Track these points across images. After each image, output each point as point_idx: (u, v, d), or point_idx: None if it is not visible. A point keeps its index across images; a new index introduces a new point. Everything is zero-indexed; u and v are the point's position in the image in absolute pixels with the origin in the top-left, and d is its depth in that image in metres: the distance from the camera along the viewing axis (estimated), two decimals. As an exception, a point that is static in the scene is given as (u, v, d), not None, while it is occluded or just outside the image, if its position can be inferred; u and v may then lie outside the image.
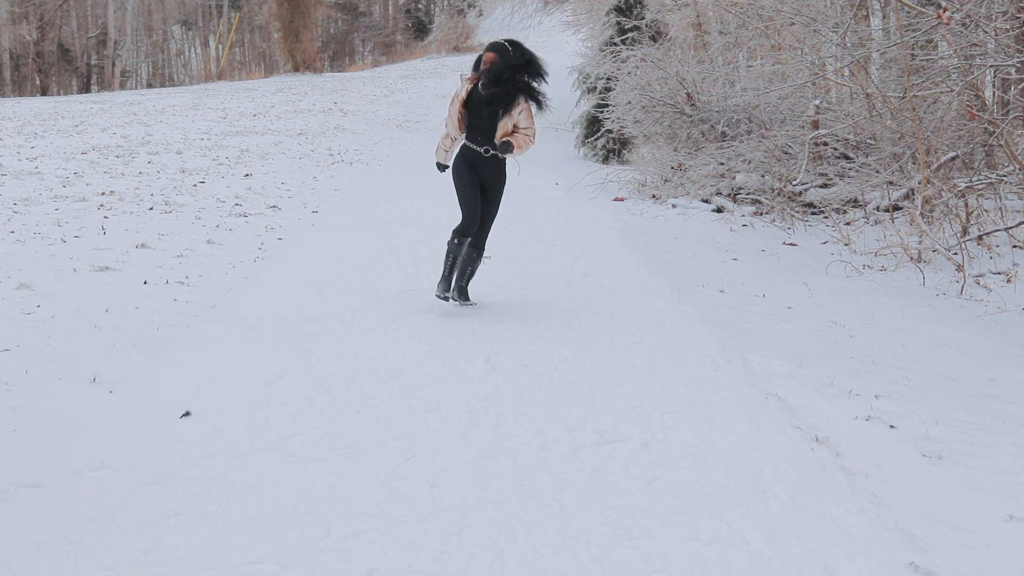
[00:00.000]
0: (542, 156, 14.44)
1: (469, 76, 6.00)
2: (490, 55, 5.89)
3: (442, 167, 6.30)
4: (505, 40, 6.02)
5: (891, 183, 9.59)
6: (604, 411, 4.32)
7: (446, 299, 6.08)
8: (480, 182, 6.07)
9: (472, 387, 4.66)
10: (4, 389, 4.41)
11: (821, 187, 10.54)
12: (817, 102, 10.53)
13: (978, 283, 7.24)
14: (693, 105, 12.48)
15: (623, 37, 15.71)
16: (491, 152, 5.96)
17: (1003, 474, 3.73)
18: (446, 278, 6.07)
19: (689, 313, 6.16)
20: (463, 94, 6.00)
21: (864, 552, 3.07)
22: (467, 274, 6.17)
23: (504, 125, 5.94)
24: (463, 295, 6.20)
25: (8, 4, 34.64)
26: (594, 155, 16.49)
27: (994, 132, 8.10)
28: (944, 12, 7.47)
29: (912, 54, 9.18)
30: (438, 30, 48.80)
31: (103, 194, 10.59)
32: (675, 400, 4.49)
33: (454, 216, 10.33)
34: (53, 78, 38.29)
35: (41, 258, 7.25)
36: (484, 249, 6.26)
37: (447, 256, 6.09)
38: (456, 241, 6.09)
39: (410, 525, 3.21)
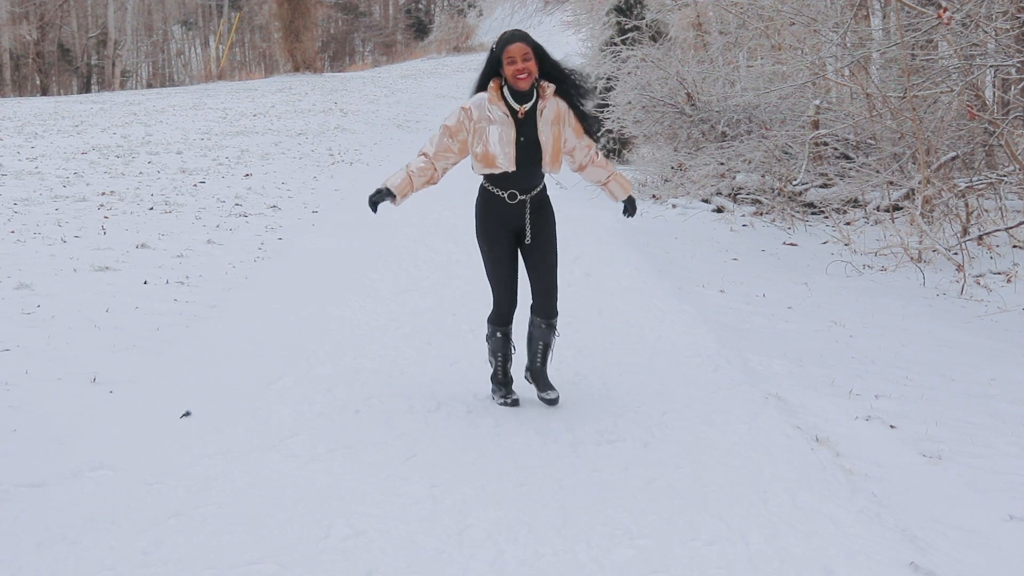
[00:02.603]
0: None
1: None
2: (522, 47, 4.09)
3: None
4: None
5: (891, 183, 9.59)
6: (604, 411, 4.32)
7: (514, 403, 4.45)
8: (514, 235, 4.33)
9: (472, 387, 4.66)
10: (4, 389, 4.41)
11: (821, 187, 10.54)
12: (817, 102, 10.53)
13: (978, 283, 7.24)
14: (693, 105, 12.48)
15: (623, 37, 15.71)
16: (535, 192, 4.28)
17: (1003, 474, 3.73)
18: (500, 381, 4.52)
19: (689, 313, 6.15)
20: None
21: (864, 552, 3.07)
22: (539, 352, 4.41)
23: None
24: (540, 381, 4.43)
25: (8, 4, 34.65)
26: (594, 155, 16.47)
27: (994, 132, 8.10)
28: (944, 12, 7.47)
29: (912, 54, 9.18)
30: (438, 30, 48.80)
31: (103, 194, 10.59)
32: (675, 400, 4.49)
33: (454, 216, 10.37)
34: (53, 78, 38.28)
35: (41, 258, 7.25)
36: (555, 316, 4.38)
37: (490, 352, 4.54)
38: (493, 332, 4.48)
39: (410, 525, 3.21)
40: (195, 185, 11.65)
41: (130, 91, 34.47)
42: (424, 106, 25.61)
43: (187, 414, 4.20)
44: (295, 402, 4.40)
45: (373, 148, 17.21)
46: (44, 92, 35.62)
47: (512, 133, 4.12)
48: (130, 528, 3.15)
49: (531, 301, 4.39)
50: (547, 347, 4.41)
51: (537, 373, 4.44)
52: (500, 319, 4.42)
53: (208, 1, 48.55)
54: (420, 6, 53.72)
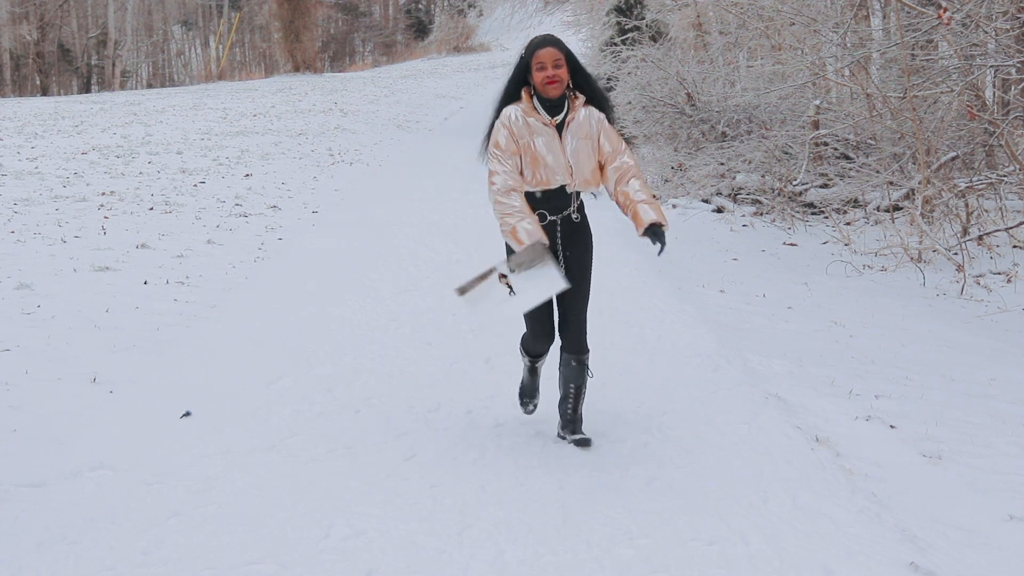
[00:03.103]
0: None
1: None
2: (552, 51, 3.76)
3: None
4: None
5: (891, 183, 9.59)
6: (604, 411, 4.32)
7: (531, 411, 4.25)
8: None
9: (472, 387, 4.66)
10: (4, 389, 4.41)
11: (821, 187, 10.54)
12: (817, 102, 10.53)
13: (978, 283, 7.24)
14: (693, 105, 12.48)
15: (623, 37, 15.73)
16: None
17: (1003, 474, 3.73)
18: (527, 390, 4.26)
19: (689, 313, 6.15)
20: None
21: (864, 552, 3.07)
22: (571, 396, 4.01)
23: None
24: (571, 427, 4.01)
25: (8, 4, 34.65)
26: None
27: (994, 132, 8.10)
28: (944, 12, 7.47)
29: (912, 54, 9.19)
30: (438, 30, 48.84)
31: (103, 194, 10.59)
32: (675, 400, 4.49)
33: (454, 216, 10.37)
34: (53, 78, 38.28)
35: (41, 258, 7.25)
36: (586, 352, 4.01)
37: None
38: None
39: (410, 525, 3.21)
40: (195, 185, 11.65)
41: (130, 91, 34.48)
42: (424, 106, 25.62)
43: (187, 414, 4.20)
44: (295, 402, 4.40)
45: (373, 148, 17.21)
46: (44, 92, 35.60)
47: (557, 142, 3.75)
48: (130, 528, 3.15)
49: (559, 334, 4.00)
50: (579, 390, 3.97)
51: (567, 420, 3.99)
52: (530, 348, 4.08)
53: (208, 1, 48.54)
54: (420, 6, 53.72)
